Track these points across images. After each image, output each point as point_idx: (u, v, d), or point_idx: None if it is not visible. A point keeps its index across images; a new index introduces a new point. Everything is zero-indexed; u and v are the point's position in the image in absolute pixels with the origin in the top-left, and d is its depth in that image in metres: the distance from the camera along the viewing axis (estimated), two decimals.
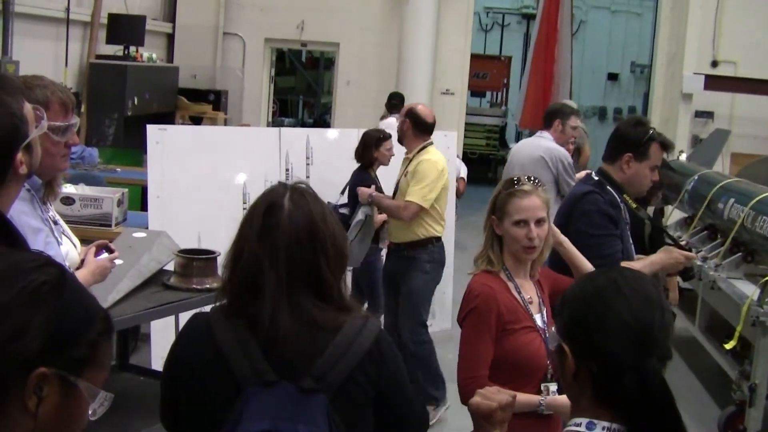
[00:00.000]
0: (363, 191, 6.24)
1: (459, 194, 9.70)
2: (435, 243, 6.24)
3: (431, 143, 6.35)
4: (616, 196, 4.08)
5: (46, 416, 1.41)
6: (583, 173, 6.32)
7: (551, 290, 3.45)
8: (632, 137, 4.12)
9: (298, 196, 2.23)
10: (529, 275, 3.40)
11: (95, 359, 1.48)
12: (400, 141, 6.40)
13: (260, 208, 2.22)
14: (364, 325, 2.21)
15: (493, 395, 2.08)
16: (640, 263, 4.00)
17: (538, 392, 3.20)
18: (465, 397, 3.21)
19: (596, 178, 4.16)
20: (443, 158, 6.40)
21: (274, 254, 2.15)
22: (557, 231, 3.68)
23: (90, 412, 1.48)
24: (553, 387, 3.20)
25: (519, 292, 3.31)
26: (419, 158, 6.20)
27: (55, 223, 3.13)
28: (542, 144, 7.02)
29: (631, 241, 4.17)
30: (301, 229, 2.18)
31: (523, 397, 3.06)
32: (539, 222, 3.29)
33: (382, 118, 11.11)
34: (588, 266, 3.65)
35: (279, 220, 2.18)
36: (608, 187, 4.08)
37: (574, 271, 3.65)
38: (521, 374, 3.20)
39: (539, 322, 3.30)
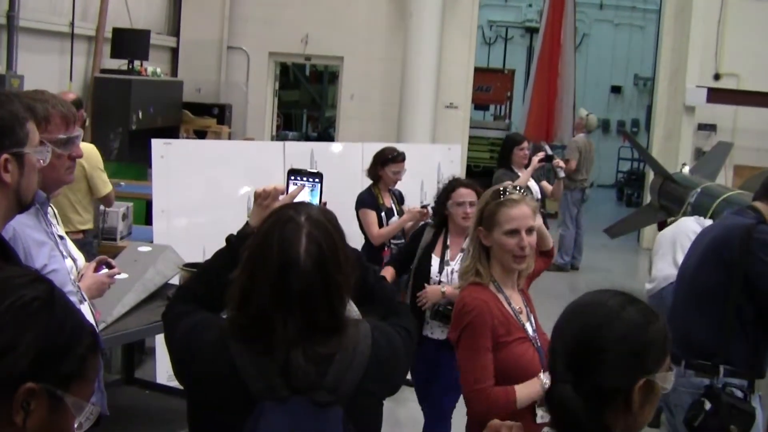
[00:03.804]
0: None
1: None
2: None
3: None
4: None
5: (34, 430, 1.42)
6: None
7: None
8: None
9: (313, 245, 2.13)
10: (516, 285, 3.41)
11: (82, 374, 1.49)
12: None
13: (274, 260, 2.12)
14: (357, 331, 2.22)
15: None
16: None
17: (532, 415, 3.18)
18: (474, 409, 3.23)
19: (752, 213, 3.97)
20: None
21: (289, 308, 2.11)
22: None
23: (76, 426, 1.49)
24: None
25: (509, 303, 3.31)
26: None
27: (61, 238, 3.14)
28: None
29: None
30: (316, 282, 2.12)
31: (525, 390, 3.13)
32: (529, 230, 3.30)
33: None
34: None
35: (294, 279, 2.10)
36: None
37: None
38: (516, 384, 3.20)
39: (530, 332, 3.30)
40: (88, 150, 6.15)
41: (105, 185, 6.49)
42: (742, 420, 3.75)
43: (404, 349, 2.37)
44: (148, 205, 7.69)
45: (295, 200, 2.56)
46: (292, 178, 2.62)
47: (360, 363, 2.18)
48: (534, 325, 3.36)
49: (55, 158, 2.95)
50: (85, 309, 3.07)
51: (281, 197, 2.59)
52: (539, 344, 3.29)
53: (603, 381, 1.83)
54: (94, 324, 3.17)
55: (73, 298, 2.90)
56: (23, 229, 2.83)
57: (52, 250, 2.97)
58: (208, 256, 2.63)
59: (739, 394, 3.83)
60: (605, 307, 1.89)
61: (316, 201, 2.59)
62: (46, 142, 2.85)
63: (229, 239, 2.56)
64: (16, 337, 1.41)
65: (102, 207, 6.91)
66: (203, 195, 6.77)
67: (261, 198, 2.58)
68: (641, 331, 1.86)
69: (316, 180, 2.63)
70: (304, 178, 2.62)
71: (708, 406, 3.79)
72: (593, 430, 1.84)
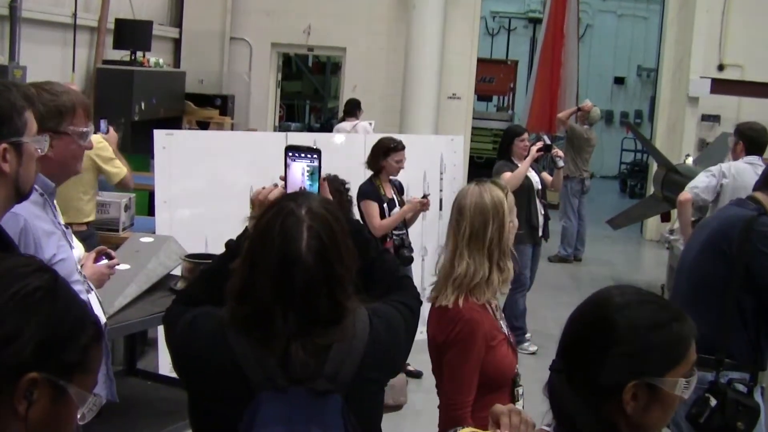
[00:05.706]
0: None
1: None
2: None
3: None
4: None
5: (36, 420, 1.42)
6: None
7: None
8: None
9: (314, 240, 2.11)
10: None
11: (85, 364, 1.49)
12: None
13: (275, 254, 2.10)
14: (355, 318, 2.21)
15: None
16: None
17: (512, 398, 3.19)
18: (446, 420, 3.13)
19: (752, 204, 3.97)
20: None
21: (290, 302, 2.09)
22: None
23: (79, 416, 1.49)
24: (522, 390, 3.22)
25: (490, 303, 3.24)
26: None
27: (66, 227, 3.15)
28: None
29: None
30: (318, 276, 2.10)
31: None
32: None
33: (339, 122, 11.63)
34: None
35: (296, 274, 2.09)
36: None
37: None
38: (497, 385, 3.19)
39: (504, 329, 3.27)
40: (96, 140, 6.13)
41: (118, 172, 6.32)
42: (747, 416, 3.74)
43: (405, 327, 2.38)
44: (151, 195, 7.68)
45: (296, 180, 2.52)
46: (290, 154, 2.53)
47: (358, 351, 2.18)
48: (503, 320, 3.33)
49: (77, 149, 3.01)
50: (93, 299, 3.08)
51: (281, 182, 2.56)
52: (512, 339, 3.27)
53: (593, 376, 1.82)
54: (102, 314, 3.18)
55: (80, 287, 2.92)
56: (33, 220, 2.85)
57: (60, 240, 2.99)
58: (210, 246, 2.63)
59: (742, 388, 3.82)
60: (610, 304, 1.86)
61: (316, 178, 2.54)
62: (71, 133, 2.90)
63: (229, 245, 2.54)
64: (19, 326, 1.40)
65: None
66: (205, 186, 6.76)
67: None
68: (643, 333, 1.81)
69: (315, 156, 2.53)
70: (303, 154, 2.53)
71: (713, 402, 3.77)
72: (590, 423, 1.83)
